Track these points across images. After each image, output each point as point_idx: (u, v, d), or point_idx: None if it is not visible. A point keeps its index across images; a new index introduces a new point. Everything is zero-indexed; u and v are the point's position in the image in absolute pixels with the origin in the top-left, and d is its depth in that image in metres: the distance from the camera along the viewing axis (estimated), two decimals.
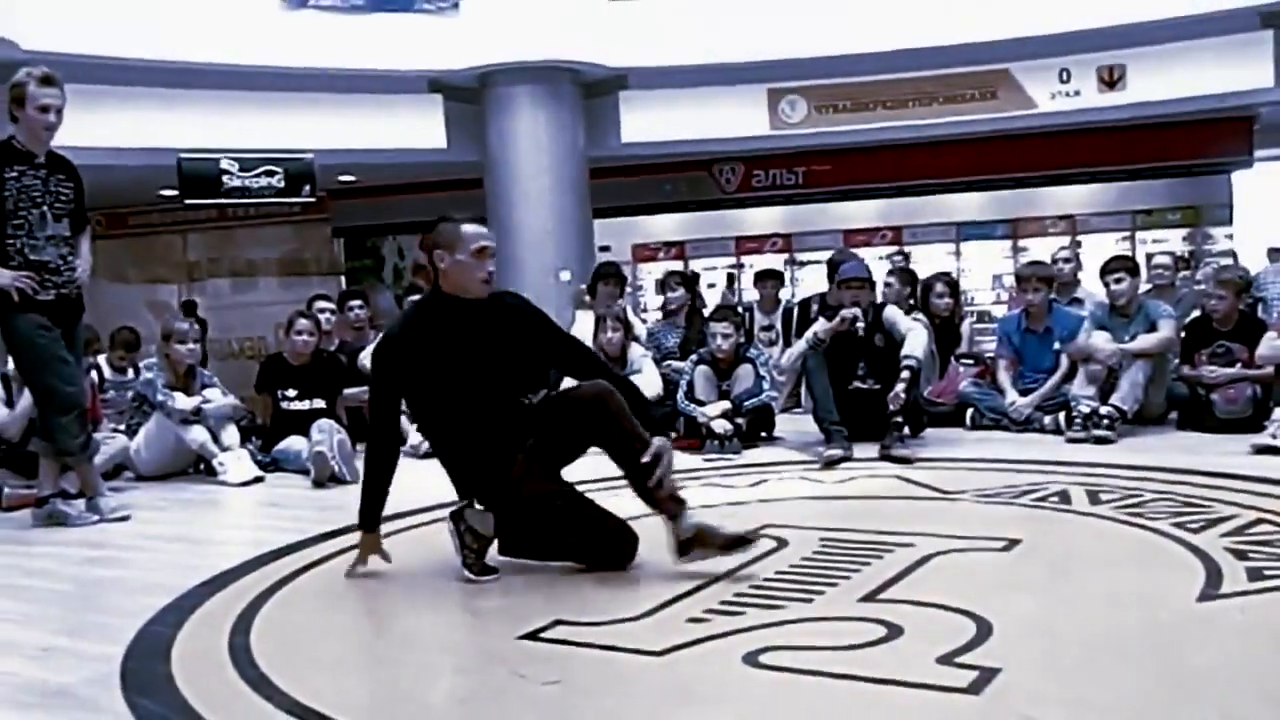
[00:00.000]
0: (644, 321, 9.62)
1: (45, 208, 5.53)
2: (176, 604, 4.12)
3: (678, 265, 16.09)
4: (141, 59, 11.50)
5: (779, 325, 9.21)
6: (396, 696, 3.10)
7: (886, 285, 8.52)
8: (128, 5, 11.56)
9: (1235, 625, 3.36)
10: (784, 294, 11.20)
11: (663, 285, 9.26)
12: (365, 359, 8.30)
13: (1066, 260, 8.85)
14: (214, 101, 12.33)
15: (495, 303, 4.53)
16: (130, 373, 8.41)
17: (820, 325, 7.03)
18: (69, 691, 3.23)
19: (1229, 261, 12.12)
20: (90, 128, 10.35)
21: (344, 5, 12.54)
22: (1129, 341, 7.23)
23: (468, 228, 4.48)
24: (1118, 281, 7.43)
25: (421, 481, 6.81)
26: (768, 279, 10.60)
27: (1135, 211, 16.15)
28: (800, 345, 7.14)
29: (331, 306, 9.00)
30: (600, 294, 8.95)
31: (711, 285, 15.46)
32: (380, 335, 4.59)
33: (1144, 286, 7.86)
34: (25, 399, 7.04)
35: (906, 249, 16.48)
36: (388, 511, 5.58)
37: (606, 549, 4.29)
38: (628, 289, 12.66)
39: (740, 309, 9.62)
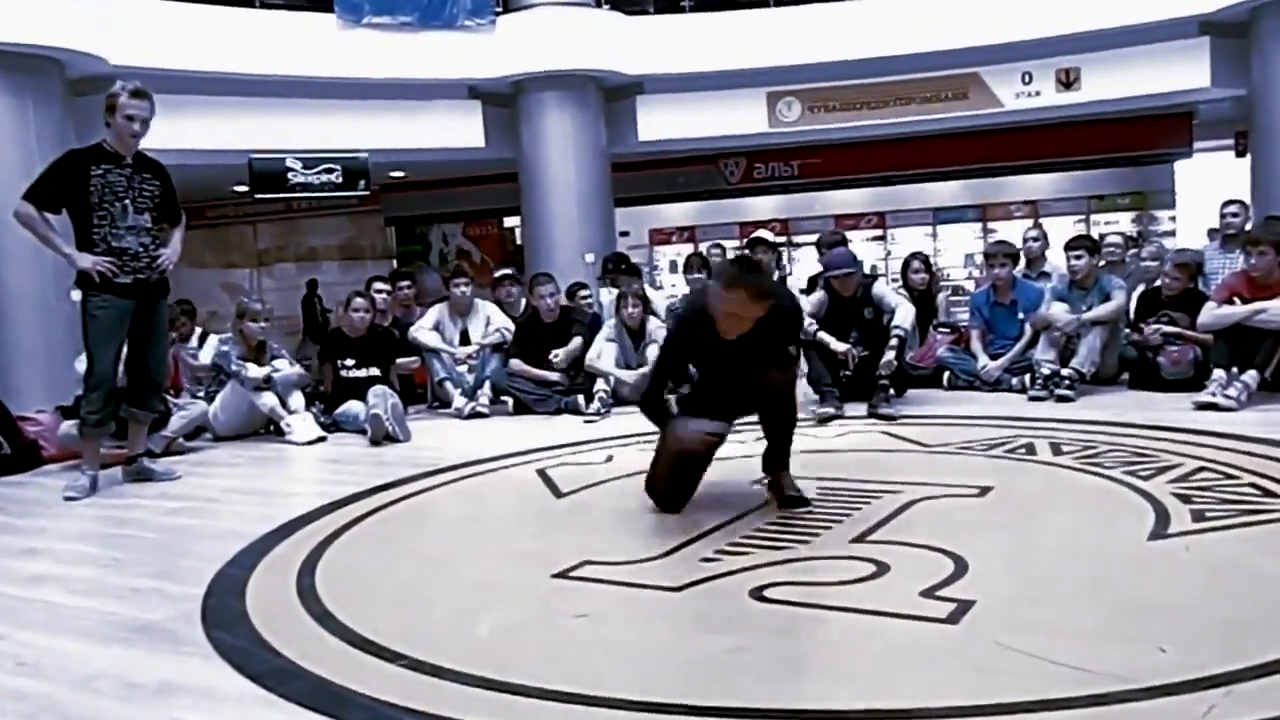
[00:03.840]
0: (659, 288, 9.57)
1: (128, 201, 5.53)
2: (250, 549, 4.12)
3: (689, 248, 16.00)
4: (216, 71, 11.45)
5: None
6: (445, 629, 3.09)
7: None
8: (203, 24, 11.53)
9: (1181, 561, 3.33)
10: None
11: (687, 266, 9.10)
12: (414, 332, 8.30)
13: (1035, 239, 8.76)
14: (280, 108, 12.29)
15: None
16: (194, 340, 8.40)
17: (829, 338, 6.98)
18: (156, 627, 3.23)
19: (1177, 244, 12.04)
20: (171, 132, 10.28)
21: (394, 23, 12.47)
22: (1087, 311, 7.20)
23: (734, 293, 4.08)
24: (1077, 258, 7.37)
25: (466, 440, 6.83)
26: (760, 246, 9.99)
27: (1090, 197, 16.05)
28: (806, 325, 7.02)
29: (388, 288, 8.97)
30: (621, 282, 8.98)
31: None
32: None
33: (1099, 263, 7.80)
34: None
35: (889, 231, 16.49)
36: (435, 465, 5.60)
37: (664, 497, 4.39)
38: (644, 267, 12.63)
39: None
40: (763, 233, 9.68)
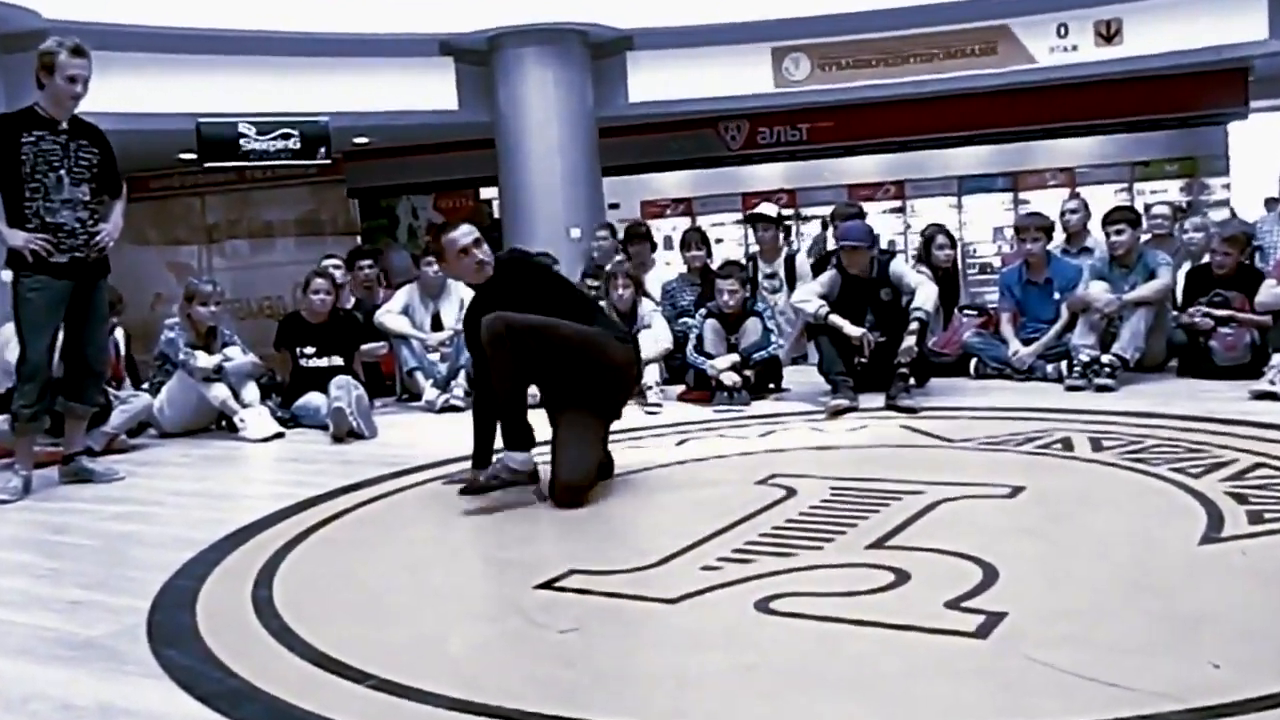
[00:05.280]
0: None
1: (63, 172, 5.50)
2: (201, 557, 4.12)
3: (685, 222, 15.96)
4: (159, 26, 11.40)
5: (782, 273, 9.09)
6: (416, 645, 3.09)
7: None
8: None
9: (1236, 567, 3.34)
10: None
11: (684, 243, 9.08)
12: (381, 316, 8.30)
13: (1075, 211, 8.73)
14: (231, 66, 12.24)
15: (499, 280, 4.96)
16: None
17: (842, 321, 6.94)
18: (96, 644, 3.23)
19: (1224, 215, 12.02)
20: (109, 93, 10.26)
21: None
22: (1130, 290, 7.19)
23: (448, 235, 4.98)
24: (1118, 233, 7.37)
25: (439, 436, 6.82)
26: (761, 223, 9.87)
27: (1133, 163, 16.01)
28: (817, 307, 7.02)
29: (337, 261, 9.01)
30: (634, 254, 9.04)
31: (719, 240, 15.29)
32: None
33: (1144, 237, 7.81)
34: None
35: (909, 202, 16.46)
36: (410, 464, 5.61)
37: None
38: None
39: (745, 259, 9.49)
40: (764, 206, 9.60)
